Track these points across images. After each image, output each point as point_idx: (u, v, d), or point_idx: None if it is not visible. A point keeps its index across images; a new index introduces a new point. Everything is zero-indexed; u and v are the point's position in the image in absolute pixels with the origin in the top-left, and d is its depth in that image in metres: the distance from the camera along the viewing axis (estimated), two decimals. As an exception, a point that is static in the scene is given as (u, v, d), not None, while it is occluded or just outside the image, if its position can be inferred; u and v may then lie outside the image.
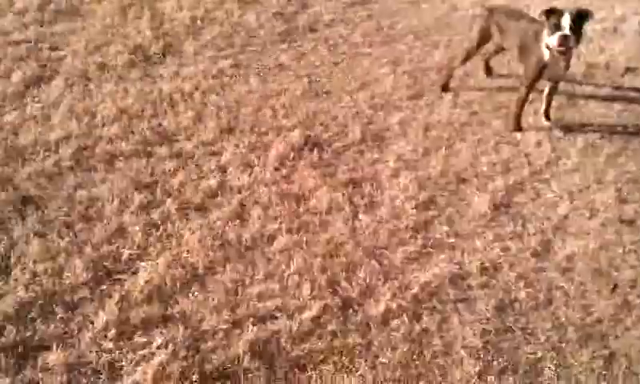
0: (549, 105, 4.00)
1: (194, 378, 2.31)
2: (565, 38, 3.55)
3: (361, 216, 3.17)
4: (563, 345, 2.60)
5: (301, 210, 3.18)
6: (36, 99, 3.76)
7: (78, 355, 2.36)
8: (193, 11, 4.83)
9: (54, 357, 2.33)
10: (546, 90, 3.97)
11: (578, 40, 3.61)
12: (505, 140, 3.82)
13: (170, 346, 2.40)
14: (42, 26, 4.51)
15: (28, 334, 2.42)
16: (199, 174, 3.32)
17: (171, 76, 4.07)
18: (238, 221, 3.06)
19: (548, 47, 3.64)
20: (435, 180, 3.45)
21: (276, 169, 3.42)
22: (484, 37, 4.10)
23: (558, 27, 3.55)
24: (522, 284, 2.87)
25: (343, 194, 3.28)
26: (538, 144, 3.80)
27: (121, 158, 3.38)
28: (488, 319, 2.69)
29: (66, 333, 2.44)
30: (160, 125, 3.64)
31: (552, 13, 3.61)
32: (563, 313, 2.75)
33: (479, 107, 4.10)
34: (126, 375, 2.30)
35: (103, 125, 3.58)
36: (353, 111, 3.95)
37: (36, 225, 2.93)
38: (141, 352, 2.39)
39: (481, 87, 4.30)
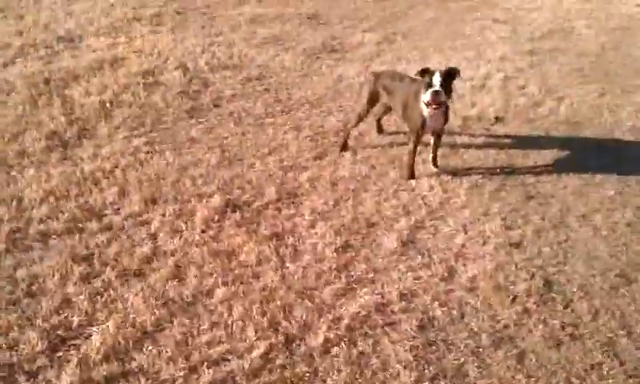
0: (435, 154, 4.55)
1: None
2: (436, 93, 4.10)
3: (288, 264, 3.50)
4: (480, 349, 3.01)
5: (232, 264, 3.46)
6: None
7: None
8: (101, 96, 5.07)
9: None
10: (432, 141, 4.52)
11: (448, 95, 4.17)
12: (402, 187, 4.30)
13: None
14: (-50, 121, 4.57)
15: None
16: (132, 243, 3.53)
17: (90, 157, 4.28)
18: (176, 280, 3.30)
19: (425, 103, 4.20)
20: (348, 226, 3.85)
21: (203, 231, 3.69)
22: (373, 99, 4.63)
23: (430, 85, 4.10)
24: (436, 304, 3.29)
25: (269, 247, 3.60)
26: (431, 188, 4.31)
27: (54, 236, 3.53)
28: (414, 337, 3.07)
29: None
30: (87, 202, 3.83)
31: (425, 72, 4.18)
32: (475, 324, 3.18)
33: (376, 161, 4.58)
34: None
35: (32, 208, 3.72)
36: (265, 174, 4.31)
37: (-19, 305, 3.03)
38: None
39: (375, 144, 4.81)
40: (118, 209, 3.78)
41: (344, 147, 4.64)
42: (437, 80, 4.06)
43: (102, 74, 5.40)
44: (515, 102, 5.66)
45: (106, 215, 3.72)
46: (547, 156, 4.75)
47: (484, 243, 3.77)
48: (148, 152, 4.40)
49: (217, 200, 3.92)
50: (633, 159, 4.75)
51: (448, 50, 6.77)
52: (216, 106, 5.17)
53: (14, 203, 3.73)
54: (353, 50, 6.66)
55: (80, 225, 3.61)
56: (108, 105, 4.95)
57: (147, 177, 4.11)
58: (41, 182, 3.94)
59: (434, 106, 4.09)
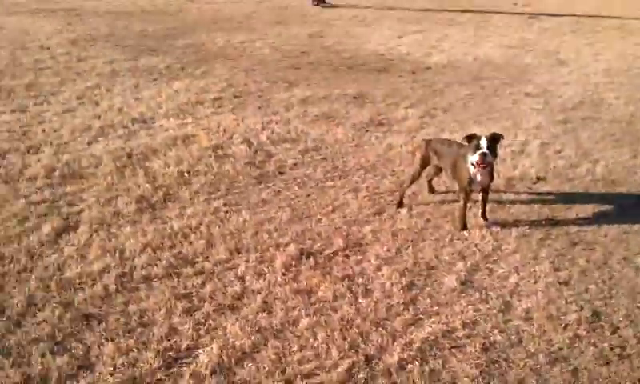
0: (484, 208, 5.03)
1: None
2: (484, 155, 4.63)
3: (360, 300, 3.96)
4: (538, 367, 3.42)
5: (312, 300, 3.94)
6: (69, 243, 4.42)
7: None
8: (178, 166, 5.70)
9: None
10: (480, 197, 5.02)
11: (494, 156, 4.70)
12: (456, 237, 4.77)
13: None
14: (53, 189, 5.23)
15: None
16: (224, 284, 4.04)
17: (177, 216, 4.85)
18: (265, 313, 3.78)
19: (472, 164, 4.73)
20: (410, 269, 4.31)
21: (283, 274, 4.19)
22: (425, 162, 5.17)
23: (478, 148, 4.64)
24: (496, 331, 3.71)
25: (342, 286, 4.08)
26: (483, 237, 4.77)
27: (155, 279, 4.07)
28: (478, 357, 3.49)
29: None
30: (180, 252, 4.38)
31: (472, 138, 4.74)
32: (532, 346, 3.59)
33: (430, 216, 5.08)
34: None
35: (133, 257, 4.28)
36: (332, 228, 4.83)
37: (103, 333, 3.55)
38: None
39: (428, 202, 5.31)
40: (207, 257, 4.30)
41: (400, 204, 5.15)
42: (484, 143, 4.59)
43: (177, 149, 6.05)
44: (554, 164, 6.14)
45: (197, 262, 4.24)
46: (587, 209, 5.19)
47: (535, 282, 4.20)
48: (226, 212, 4.96)
49: (292, 249, 4.43)
50: None
51: (486, 121, 7.33)
52: (280, 173, 5.75)
53: (117, 254, 4.29)
54: (398, 123, 7.26)
55: (177, 270, 4.14)
56: (186, 174, 5.56)
57: (229, 231, 4.65)
58: (137, 237, 4.50)
59: (481, 166, 4.60)
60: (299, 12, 15.16)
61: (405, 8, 16.04)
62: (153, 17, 13.41)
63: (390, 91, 8.68)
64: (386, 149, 6.49)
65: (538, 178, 5.86)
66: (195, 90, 8.21)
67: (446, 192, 5.40)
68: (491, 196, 5.04)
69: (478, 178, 4.69)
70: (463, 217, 4.84)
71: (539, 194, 5.51)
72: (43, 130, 6.49)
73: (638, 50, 11.91)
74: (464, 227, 4.81)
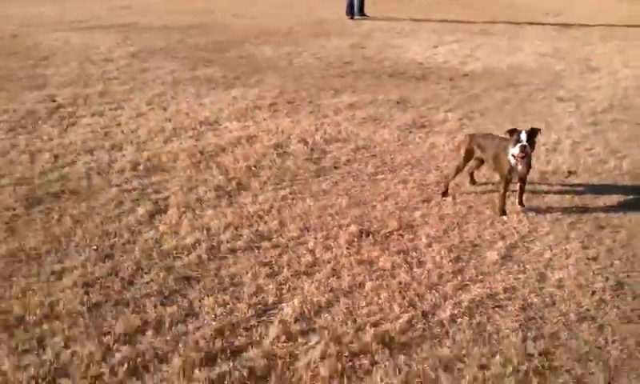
0: (521, 197, 5.67)
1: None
2: (524, 147, 5.28)
3: (415, 269, 4.64)
4: (569, 322, 4.05)
5: (374, 268, 4.63)
6: (162, 223, 5.18)
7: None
8: (246, 162, 6.44)
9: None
10: (517, 186, 5.67)
11: (532, 148, 5.34)
12: (496, 221, 5.43)
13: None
14: (140, 179, 6.01)
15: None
16: (297, 255, 4.75)
17: (250, 202, 5.59)
18: (334, 278, 4.49)
19: (513, 155, 5.39)
20: (457, 246, 4.98)
21: (347, 248, 4.90)
22: (468, 155, 5.83)
23: (518, 141, 5.28)
24: (533, 295, 4.35)
25: (399, 258, 4.77)
26: (520, 221, 5.42)
27: (239, 251, 4.81)
28: (517, 314, 4.14)
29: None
30: (257, 230, 5.11)
31: (513, 131, 5.39)
32: (564, 308, 4.21)
33: (473, 203, 5.74)
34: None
35: (219, 234, 5.02)
36: (386, 212, 5.52)
37: (201, 290, 4.29)
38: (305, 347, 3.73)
39: (469, 192, 5.98)
40: (281, 234, 5.02)
41: (445, 194, 5.83)
42: (524, 137, 5.21)
43: (243, 147, 6.81)
44: (584, 160, 6.76)
45: (273, 238, 4.97)
46: (614, 199, 5.81)
47: (567, 258, 4.83)
48: (292, 199, 5.68)
49: (353, 228, 5.13)
50: None
51: (521, 123, 7.95)
52: (336, 167, 6.47)
53: (205, 231, 5.03)
54: (439, 125, 7.94)
55: (256, 244, 4.87)
56: (253, 168, 6.31)
57: (297, 214, 5.37)
58: (220, 218, 5.25)
59: (521, 157, 5.25)
60: (337, 25, 15.92)
61: (439, 20, 16.70)
62: (202, 31, 14.28)
63: (429, 96, 9.37)
64: (429, 147, 7.17)
65: (570, 172, 6.47)
66: (251, 97, 8.98)
67: (486, 183, 6.03)
68: (527, 187, 5.66)
69: (518, 168, 5.33)
70: (503, 203, 5.48)
71: (570, 185, 6.13)
72: (122, 132, 7.30)
73: (667, 57, 12.40)
74: (503, 212, 5.45)
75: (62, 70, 10.29)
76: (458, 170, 5.80)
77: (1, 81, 9.42)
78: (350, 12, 16.99)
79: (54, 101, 8.40)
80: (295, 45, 13.13)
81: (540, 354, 3.72)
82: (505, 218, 5.40)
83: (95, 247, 4.72)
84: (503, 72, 11.16)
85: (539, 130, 5.46)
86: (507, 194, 5.54)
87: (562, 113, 8.62)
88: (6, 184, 5.73)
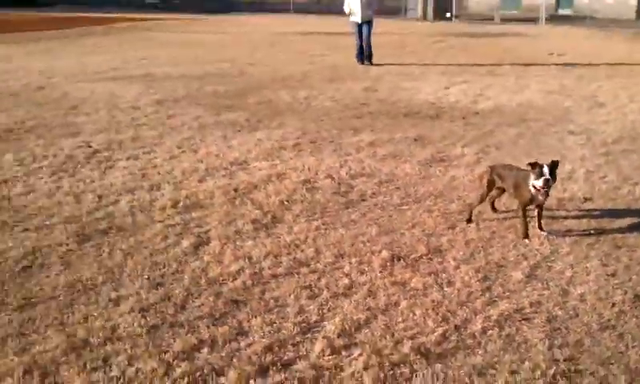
0: (540, 221, 6.02)
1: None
2: (547, 180, 5.58)
3: (445, 288, 4.98)
4: (591, 331, 4.38)
5: (407, 288, 4.99)
6: (206, 253, 5.56)
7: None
8: (278, 197, 6.84)
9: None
10: (536, 213, 6.03)
11: (554, 180, 5.66)
12: (519, 243, 5.78)
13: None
14: (181, 215, 6.42)
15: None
16: (335, 279, 5.11)
17: (287, 232, 5.98)
18: (371, 298, 4.83)
19: (534, 187, 5.71)
20: (483, 267, 5.32)
21: (380, 271, 5.25)
22: (490, 185, 6.18)
23: (541, 174, 5.56)
24: (557, 308, 4.68)
25: (430, 279, 5.12)
26: (541, 244, 5.76)
27: (280, 276, 5.17)
28: (543, 325, 4.46)
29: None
30: (295, 258, 5.47)
31: (535, 165, 5.64)
32: (586, 319, 4.51)
33: (496, 229, 6.09)
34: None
35: (260, 261, 5.38)
36: (414, 238, 5.88)
37: (249, 311, 4.65)
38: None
39: (492, 219, 6.35)
40: (318, 261, 5.38)
41: (469, 220, 6.19)
42: (546, 170, 5.52)
43: (273, 184, 7.22)
44: (598, 187, 7.13)
45: (311, 264, 5.32)
46: (629, 221, 6.16)
47: (587, 274, 5.17)
48: (325, 229, 6.06)
49: (385, 254, 5.49)
50: None
51: (535, 155, 8.34)
52: (363, 200, 6.86)
53: (247, 259, 5.41)
54: (457, 159, 8.34)
55: (296, 270, 5.22)
56: (285, 202, 6.71)
57: (331, 242, 5.74)
58: (259, 247, 5.61)
59: (544, 190, 5.57)
60: (349, 70, 16.49)
61: (446, 64, 17.26)
62: (220, 79, 14.85)
63: (445, 133, 9.80)
64: (449, 180, 7.56)
65: (585, 199, 6.83)
66: (276, 138, 9.44)
67: (507, 211, 6.39)
68: (546, 213, 6.02)
69: (539, 197, 5.69)
70: (525, 227, 5.82)
71: (587, 210, 6.49)
72: (158, 173, 7.73)
73: (672, 90, 12.84)
74: (526, 236, 5.79)
75: (93, 117, 10.80)
76: (482, 199, 6.16)
77: (37, 129, 9.91)
78: (360, 57, 17.56)
79: (90, 146, 8.86)
80: (311, 89, 13.65)
81: (566, 360, 4.03)
82: (527, 240, 5.72)
83: (147, 276, 5.08)
84: (513, 109, 11.61)
85: (559, 162, 5.80)
86: (527, 219, 5.85)
87: (574, 145, 9.02)
88: (57, 222, 6.14)
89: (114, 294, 4.83)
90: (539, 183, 5.54)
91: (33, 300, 4.74)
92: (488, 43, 23.51)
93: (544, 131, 9.87)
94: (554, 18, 32.35)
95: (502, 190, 6.17)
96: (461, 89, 13.70)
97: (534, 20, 32.91)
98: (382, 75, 15.71)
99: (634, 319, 4.49)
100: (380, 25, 18.90)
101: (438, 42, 23.93)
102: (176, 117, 10.97)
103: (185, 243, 5.71)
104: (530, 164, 5.70)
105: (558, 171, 5.63)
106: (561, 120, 10.61)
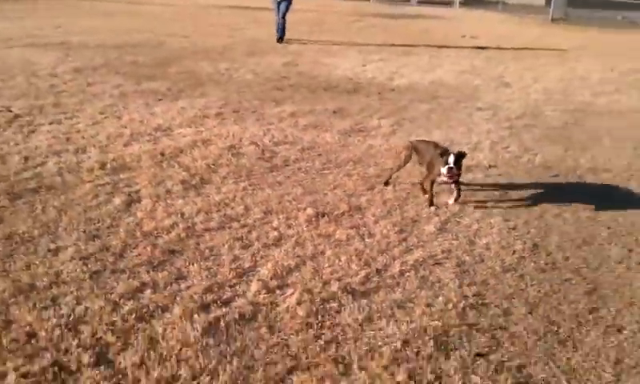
0: (457, 194, 6.33)
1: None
2: (450, 168, 5.80)
3: (366, 239, 5.44)
4: (495, 272, 4.97)
5: (331, 240, 5.40)
6: (139, 210, 5.78)
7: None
8: (204, 161, 7.11)
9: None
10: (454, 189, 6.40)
11: (459, 170, 5.89)
12: (429, 209, 6.32)
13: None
14: (110, 176, 6.58)
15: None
16: (265, 232, 5.47)
17: (215, 192, 6.25)
18: (299, 247, 5.23)
19: (442, 172, 5.94)
20: (400, 222, 5.81)
21: (307, 226, 5.66)
22: (407, 158, 6.54)
23: (447, 162, 5.78)
24: (465, 255, 5.25)
25: (352, 231, 5.57)
26: (448, 204, 6.35)
27: (213, 230, 5.49)
28: (453, 268, 5.01)
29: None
30: (225, 214, 5.79)
31: (444, 153, 5.94)
32: (491, 263, 5.12)
33: (410, 191, 6.61)
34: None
35: (192, 217, 5.67)
36: (337, 198, 6.32)
37: (186, 259, 4.95)
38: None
39: (407, 182, 6.87)
40: (248, 217, 5.73)
41: (386, 183, 6.67)
42: (451, 160, 5.77)
43: (199, 149, 7.48)
44: (502, 156, 7.81)
45: (241, 220, 5.66)
46: (529, 185, 6.84)
47: (491, 228, 5.76)
48: (253, 189, 6.39)
49: (310, 211, 5.89)
50: (589, 188, 6.88)
51: (446, 128, 9.00)
52: (286, 165, 7.23)
53: (179, 215, 5.67)
54: (374, 130, 8.85)
55: (227, 224, 5.55)
56: (212, 166, 6.99)
57: (259, 201, 6.09)
58: (190, 205, 5.88)
59: (448, 177, 5.90)
60: (270, 44, 16.74)
61: (364, 43, 17.81)
62: (139, 50, 14.76)
63: (363, 107, 10.30)
64: (367, 148, 8.05)
65: (490, 166, 7.47)
66: (198, 107, 9.65)
67: (420, 176, 6.93)
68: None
69: (445, 179, 6.01)
70: (431, 197, 6.20)
71: (491, 176, 7.12)
72: (83, 137, 7.81)
73: (571, 73, 13.97)
74: (432, 204, 6.20)
75: (10, 83, 10.61)
76: (399, 168, 6.63)
77: (-49, 94, 9.66)
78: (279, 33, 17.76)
79: (10, 111, 8.77)
80: (232, 62, 13.84)
81: (474, 295, 4.59)
82: (432, 208, 6.16)
83: (83, 230, 5.27)
84: (426, 87, 12.27)
85: (466, 154, 6.16)
86: (433, 191, 6.28)
87: (481, 120, 9.72)
88: (-16, 181, 6.17)
89: (52, 245, 4.99)
90: (444, 170, 5.85)
91: (-31, 251, 4.82)
92: (405, 24, 24.26)
93: (454, 107, 10.54)
94: (468, 2, 33.57)
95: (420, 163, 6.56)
96: (377, 66, 14.25)
97: (449, 3, 34.03)
98: (301, 51, 16.06)
99: (532, 263, 5.09)
100: (299, 2, 19.17)
101: (356, 21, 24.46)
102: (96, 85, 10.94)
103: (116, 201, 5.91)
104: (440, 152, 6.03)
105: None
106: (470, 97, 11.33)
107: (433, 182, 6.20)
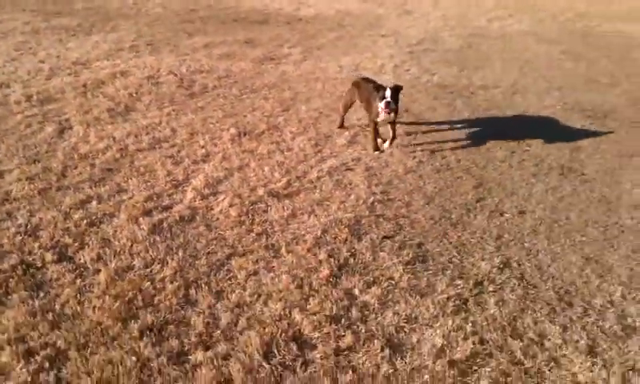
0: (393, 137, 6.77)
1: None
2: (388, 103, 5.86)
3: (286, 153, 6.09)
4: (398, 174, 5.76)
5: (255, 154, 6.04)
6: (72, 136, 6.19)
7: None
8: (127, 90, 7.52)
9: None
10: (389, 127, 6.77)
11: (396, 104, 5.89)
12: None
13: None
14: (38, 108, 6.89)
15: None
16: (193, 150, 6.03)
17: (142, 118, 6.72)
18: (226, 162, 5.83)
19: (380, 109, 6.07)
20: (314, 137, 6.49)
21: (231, 143, 6.26)
22: (352, 98, 6.66)
23: (383, 97, 5.84)
24: (372, 162, 6.01)
25: (272, 146, 6.22)
26: (358, 119, 7.07)
27: (144, 150, 6.00)
28: (362, 172, 5.77)
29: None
30: (154, 136, 6.29)
31: (379, 88, 5.92)
32: (395, 167, 5.92)
33: (323, 111, 7.30)
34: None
35: (123, 140, 6.15)
36: (256, 118, 6.92)
37: (123, 176, 5.46)
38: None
39: (318, 103, 7.54)
40: (175, 138, 6.25)
41: (341, 126, 6.75)
42: (388, 93, 5.82)
43: (120, 80, 7.84)
44: (404, 77, 8.58)
45: (169, 141, 6.18)
46: (427, 101, 7.64)
47: (395, 139, 6.55)
48: (177, 114, 6.89)
49: (232, 130, 6.48)
50: (480, 102, 7.75)
51: (353, 54, 9.68)
52: (205, 91, 7.72)
53: (111, 139, 6.11)
54: (285, 58, 9.42)
55: (157, 145, 6.05)
56: (134, 94, 7.41)
57: (184, 124, 6.60)
58: (120, 129, 6.31)
59: (386, 111, 5.89)
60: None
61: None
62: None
63: (273, 36, 10.82)
64: (280, 74, 8.63)
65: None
66: (112, 41, 9.89)
67: (320, 97, 7.61)
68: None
69: (382, 116, 5.99)
70: (374, 141, 6.17)
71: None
72: (3, 73, 7.98)
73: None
74: (376, 148, 6.26)
75: None
76: (346, 108, 6.73)
77: None
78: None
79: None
80: (139, -4, 13.89)
81: (381, 192, 5.35)
82: (377, 152, 6.22)
83: (23, 155, 5.64)
84: (332, 16, 12.86)
85: (401, 86, 6.09)
86: (377, 134, 6.37)
87: (384, 46, 10.45)
88: None
89: (-6, 169, 5.36)
90: (381, 105, 5.86)
91: None
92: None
93: (359, 35, 11.21)
94: None
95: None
96: (284, -2, 14.65)
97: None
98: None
99: (430, 166, 5.91)
100: None
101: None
102: (3, 22, 10.88)
103: (49, 129, 6.27)
104: (375, 87, 6.01)
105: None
106: (374, 25, 12.03)
107: (376, 124, 6.13)
